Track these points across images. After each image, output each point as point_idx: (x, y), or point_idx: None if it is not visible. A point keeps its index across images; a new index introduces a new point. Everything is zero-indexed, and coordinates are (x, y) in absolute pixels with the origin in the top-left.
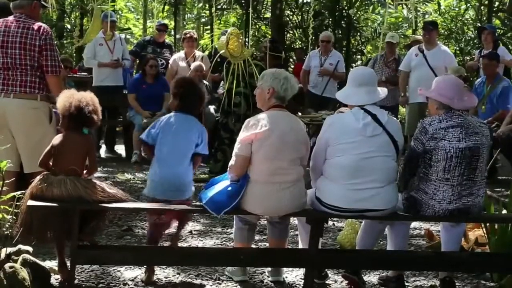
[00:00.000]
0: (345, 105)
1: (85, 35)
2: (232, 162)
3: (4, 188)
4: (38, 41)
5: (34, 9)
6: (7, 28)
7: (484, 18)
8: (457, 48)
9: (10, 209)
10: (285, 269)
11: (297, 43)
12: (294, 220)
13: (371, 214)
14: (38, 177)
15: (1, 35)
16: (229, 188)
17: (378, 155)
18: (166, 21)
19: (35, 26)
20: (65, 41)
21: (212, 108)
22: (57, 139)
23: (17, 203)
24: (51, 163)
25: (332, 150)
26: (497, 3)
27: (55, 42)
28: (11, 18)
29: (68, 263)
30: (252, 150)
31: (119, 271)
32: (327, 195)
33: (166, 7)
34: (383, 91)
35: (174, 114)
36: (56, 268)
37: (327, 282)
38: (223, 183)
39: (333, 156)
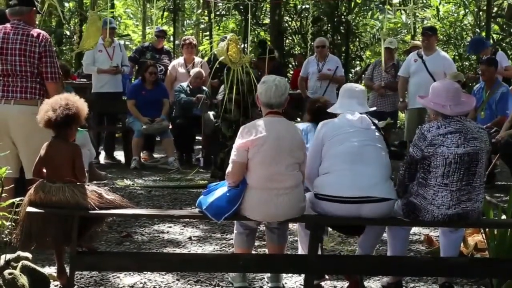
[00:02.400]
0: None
1: (81, 41)
2: (229, 168)
3: (4, 195)
4: (38, 47)
5: (32, 16)
6: (6, 35)
7: (483, 23)
8: (456, 54)
9: (9, 215)
10: (284, 275)
11: (296, 49)
12: (293, 226)
13: (370, 206)
14: (34, 185)
15: (0, 42)
16: (229, 193)
17: (375, 145)
18: (165, 28)
19: (34, 33)
20: (64, 48)
21: (211, 114)
22: (43, 148)
23: (16, 210)
24: (45, 171)
25: (329, 144)
26: (495, 9)
27: (54, 48)
28: (9, 25)
29: (67, 270)
30: (249, 156)
31: (118, 277)
32: (325, 186)
33: (165, 14)
34: (372, 108)
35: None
36: (55, 275)
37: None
38: (222, 189)
39: (331, 148)
